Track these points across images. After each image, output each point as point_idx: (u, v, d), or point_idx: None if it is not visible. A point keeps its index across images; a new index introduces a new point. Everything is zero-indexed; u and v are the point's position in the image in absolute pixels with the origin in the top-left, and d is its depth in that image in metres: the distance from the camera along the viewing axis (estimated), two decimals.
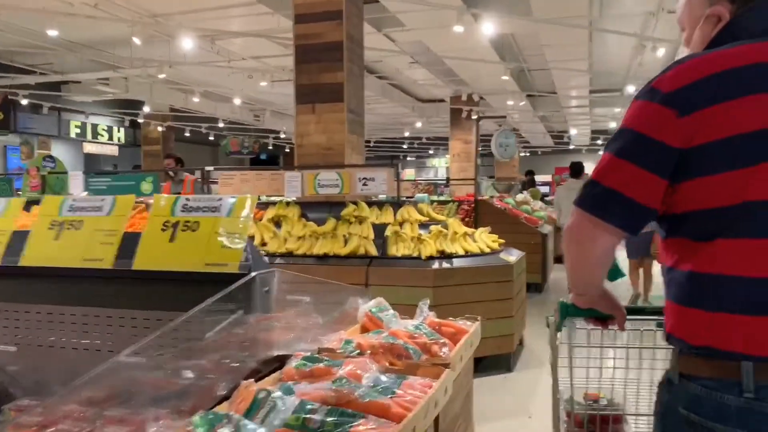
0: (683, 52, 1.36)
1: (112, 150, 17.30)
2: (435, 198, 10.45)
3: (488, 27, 7.22)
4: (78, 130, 15.78)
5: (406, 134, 22.03)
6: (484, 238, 5.07)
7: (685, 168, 1.16)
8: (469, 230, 5.16)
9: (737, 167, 1.12)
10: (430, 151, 29.22)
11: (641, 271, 7.35)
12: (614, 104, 18.40)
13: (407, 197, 7.25)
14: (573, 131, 22.54)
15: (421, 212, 5.24)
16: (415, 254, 4.53)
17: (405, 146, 25.28)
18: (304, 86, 6.49)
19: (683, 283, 1.19)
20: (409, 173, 31.31)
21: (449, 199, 10.22)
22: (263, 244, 4.95)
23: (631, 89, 16.27)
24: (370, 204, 5.21)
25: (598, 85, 16.34)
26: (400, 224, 4.88)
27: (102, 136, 16.76)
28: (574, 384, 1.74)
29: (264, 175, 5.61)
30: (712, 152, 1.14)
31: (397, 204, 5.18)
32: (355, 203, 5.15)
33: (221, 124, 17.07)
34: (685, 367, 1.19)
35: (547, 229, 9.23)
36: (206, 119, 17.64)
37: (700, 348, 1.16)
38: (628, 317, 1.52)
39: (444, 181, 20.43)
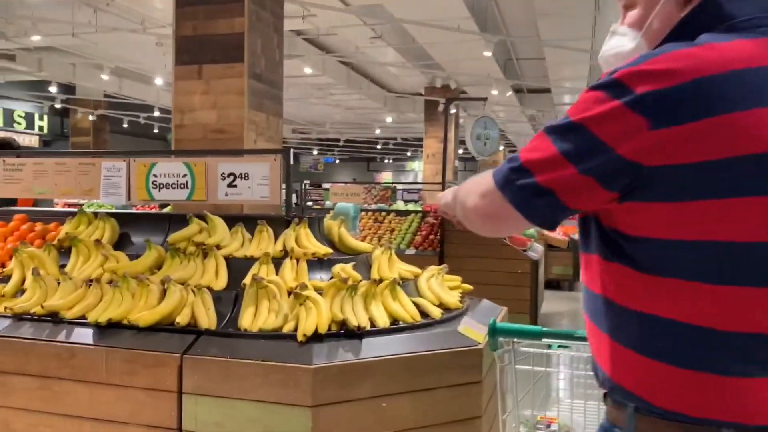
0: (626, 37, 1.12)
1: (32, 141, 14.83)
2: (395, 207, 8.18)
3: None
4: None
5: (377, 132, 19.77)
6: (434, 288, 2.80)
7: (650, 187, 0.95)
8: (410, 270, 2.90)
9: (725, 196, 0.92)
10: (408, 153, 27.00)
11: None
12: None
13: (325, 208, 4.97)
14: None
15: (329, 237, 2.98)
16: (288, 329, 2.24)
17: (379, 147, 23.02)
18: (187, 39, 4.27)
19: (635, 324, 1.01)
20: (386, 177, 29.08)
21: (414, 209, 7.96)
22: (20, 291, 2.64)
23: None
24: (237, 221, 2.91)
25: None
26: (280, 261, 2.60)
27: (19, 124, 14.29)
28: (523, 409, 1.84)
29: (68, 164, 3.29)
30: (696, 175, 0.92)
31: (286, 222, 2.89)
32: (203, 219, 2.86)
33: (157, 113, 14.68)
34: (647, 430, 1.00)
35: (539, 250, 7.01)
36: (146, 107, 15.25)
37: (672, 413, 0.97)
38: (566, 342, 1.64)
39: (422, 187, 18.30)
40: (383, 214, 7.18)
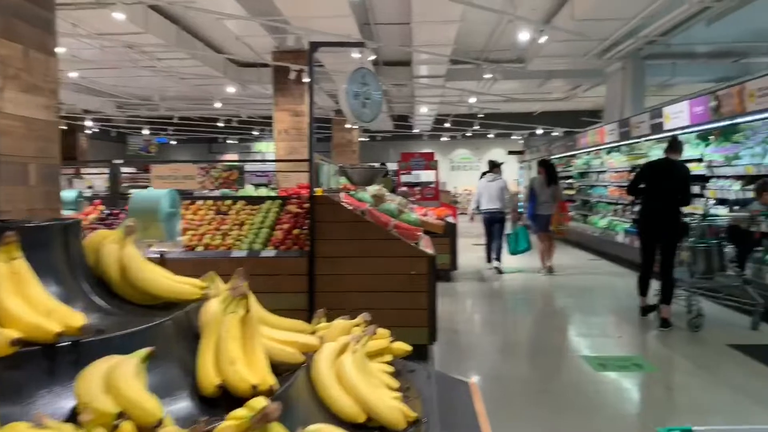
0: None
1: None
2: (243, 193, 6.41)
3: None
4: None
5: (218, 106, 17.51)
6: (355, 382, 1.20)
7: None
8: (289, 340, 1.27)
9: None
10: (254, 133, 24.79)
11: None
12: (471, 77, 15.64)
13: None
14: (423, 109, 19.56)
15: (99, 268, 1.25)
16: None
17: (221, 125, 20.63)
18: None
19: None
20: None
21: (268, 194, 6.25)
22: None
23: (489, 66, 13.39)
24: None
25: (459, 53, 13.30)
26: None
27: None
28: None
29: None
30: None
31: None
32: None
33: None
34: None
35: (428, 243, 5.65)
36: None
37: None
38: None
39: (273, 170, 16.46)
40: (228, 202, 5.40)
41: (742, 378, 4.27)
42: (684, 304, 5.94)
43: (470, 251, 12.27)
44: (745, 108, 6.60)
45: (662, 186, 5.88)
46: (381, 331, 1.54)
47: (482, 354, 5.10)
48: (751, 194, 6.43)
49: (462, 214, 22.04)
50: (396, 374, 1.48)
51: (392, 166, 19.04)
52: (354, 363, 1.24)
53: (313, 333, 1.38)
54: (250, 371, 1.05)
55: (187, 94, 16.85)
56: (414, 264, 4.63)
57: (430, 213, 9.75)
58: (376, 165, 8.39)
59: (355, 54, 9.11)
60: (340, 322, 1.40)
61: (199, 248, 4.89)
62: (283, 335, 1.26)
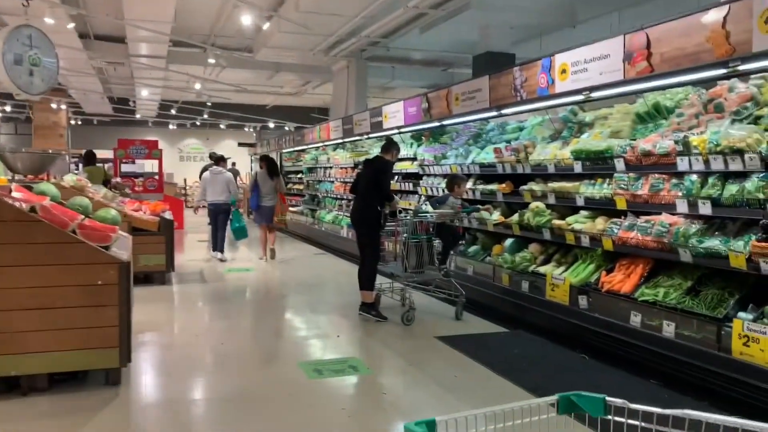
0: None
1: None
2: None
3: None
4: None
5: None
6: None
7: None
8: None
9: None
10: None
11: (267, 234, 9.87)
12: (197, 62, 14.70)
13: None
14: (144, 92, 17.85)
15: None
16: None
17: None
18: None
19: None
20: None
21: None
22: None
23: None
24: None
25: (182, 33, 12.33)
26: None
27: None
28: None
29: None
30: None
31: None
32: None
33: None
34: None
35: (126, 245, 4.84)
36: None
37: None
38: None
39: None
40: None
41: (447, 372, 4.41)
42: (398, 297, 6.10)
43: (196, 249, 11.46)
44: (452, 110, 7.07)
45: (360, 183, 6.30)
46: None
47: (189, 370, 4.49)
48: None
49: (189, 207, 20.80)
50: None
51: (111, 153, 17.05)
52: None
53: None
54: None
55: None
56: (101, 272, 3.84)
57: (145, 207, 8.75)
58: (51, 151, 7.14)
59: (49, 19, 7.64)
60: None
61: None
62: None
